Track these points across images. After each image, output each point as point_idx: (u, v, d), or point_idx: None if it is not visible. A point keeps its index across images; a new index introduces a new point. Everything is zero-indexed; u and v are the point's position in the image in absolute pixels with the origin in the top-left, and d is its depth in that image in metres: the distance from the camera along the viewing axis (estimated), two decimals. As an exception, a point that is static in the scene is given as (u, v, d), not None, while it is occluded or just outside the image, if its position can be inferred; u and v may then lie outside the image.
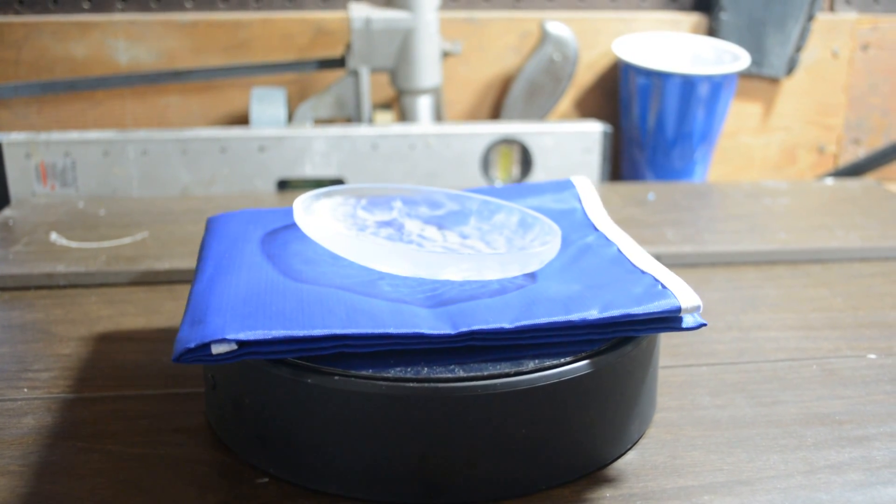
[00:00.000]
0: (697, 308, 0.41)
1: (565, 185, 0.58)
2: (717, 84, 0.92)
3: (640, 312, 0.40)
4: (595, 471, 0.41)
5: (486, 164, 0.90)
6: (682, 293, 0.41)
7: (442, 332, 0.39)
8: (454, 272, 0.43)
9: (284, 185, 0.88)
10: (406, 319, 0.39)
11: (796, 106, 1.07)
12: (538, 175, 0.91)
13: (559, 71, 0.99)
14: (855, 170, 1.06)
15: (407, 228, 0.53)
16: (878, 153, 1.04)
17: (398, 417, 0.37)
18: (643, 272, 0.45)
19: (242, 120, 0.99)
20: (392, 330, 0.38)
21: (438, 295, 0.43)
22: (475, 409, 0.37)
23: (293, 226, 0.50)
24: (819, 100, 1.07)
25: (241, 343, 0.37)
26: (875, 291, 0.64)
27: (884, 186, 0.89)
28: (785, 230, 0.75)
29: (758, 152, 1.09)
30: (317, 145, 0.87)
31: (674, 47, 1.00)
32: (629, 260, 0.47)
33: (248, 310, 0.39)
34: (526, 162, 0.91)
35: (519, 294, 0.42)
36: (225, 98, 0.99)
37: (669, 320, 0.41)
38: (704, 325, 0.42)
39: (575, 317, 0.40)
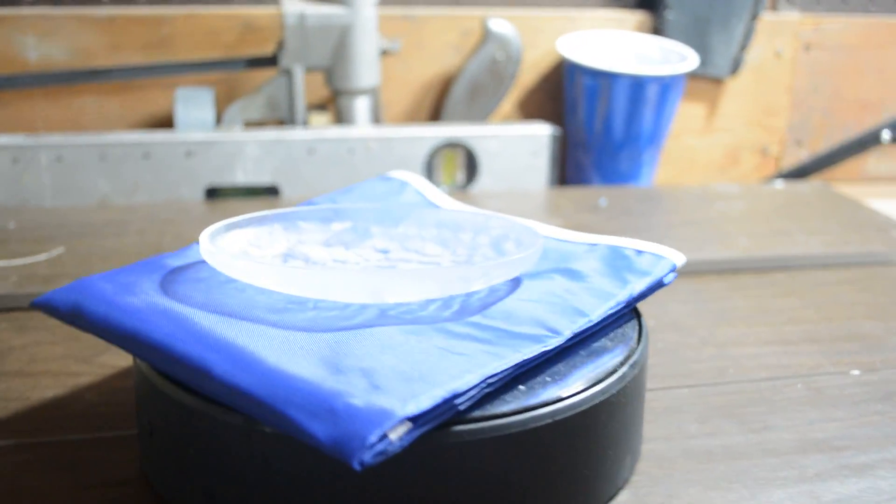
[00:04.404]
0: (684, 262, 0.46)
1: (397, 182, 0.56)
2: (666, 85, 0.90)
3: (658, 278, 0.43)
4: (587, 516, 0.37)
5: (429, 169, 0.86)
6: (667, 252, 0.45)
7: (559, 342, 0.38)
8: (484, 282, 0.40)
9: (214, 194, 0.83)
10: (512, 340, 0.37)
11: (740, 107, 1.06)
12: (485, 180, 0.87)
13: (502, 70, 0.95)
14: (801, 172, 1.05)
15: (313, 257, 0.46)
16: (825, 155, 1.03)
17: (365, 470, 0.32)
18: (593, 245, 0.47)
19: (166, 123, 0.95)
20: (527, 355, 0.36)
21: (468, 307, 0.40)
22: (453, 458, 0.33)
23: (170, 279, 0.41)
24: (762, 100, 1.06)
25: (411, 419, 0.31)
26: (845, 300, 0.61)
27: (833, 188, 0.88)
28: (745, 235, 0.72)
29: (701, 154, 1.07)
30: (249, 150, 0.82)
31: (619, 46, 0.98)
32: (562, 239, 0.48)
33: (365, 381, 0.33)
34: (471, 166, 0.87)
35: (538, 292, 0.42)
36: (147, 99, 0.94)
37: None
38: (675, 267, 0.45)
39: (625, 295, 0.41)
